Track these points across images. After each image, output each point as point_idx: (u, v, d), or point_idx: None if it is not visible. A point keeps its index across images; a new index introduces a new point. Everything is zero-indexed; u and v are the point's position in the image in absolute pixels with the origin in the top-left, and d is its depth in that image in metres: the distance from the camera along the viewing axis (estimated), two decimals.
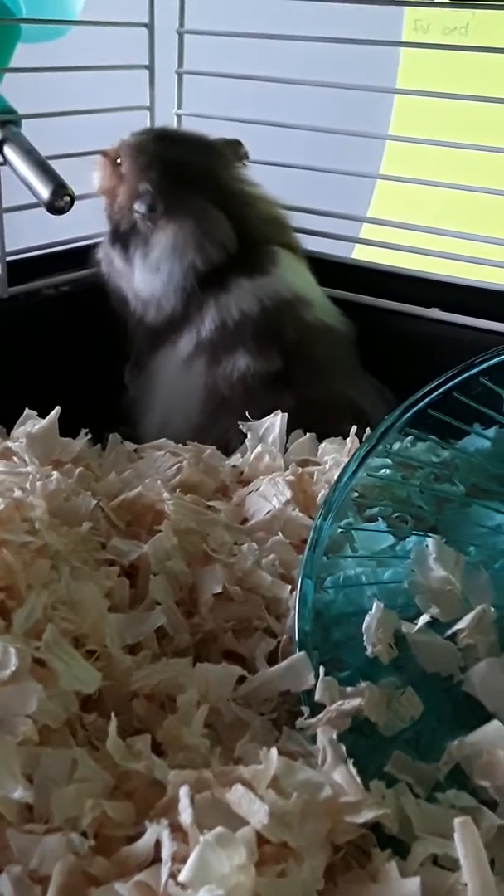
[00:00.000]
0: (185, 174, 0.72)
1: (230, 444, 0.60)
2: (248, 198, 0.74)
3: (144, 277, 0.73)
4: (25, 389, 0.58)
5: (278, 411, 0.59)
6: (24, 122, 0.74)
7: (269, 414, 0.60)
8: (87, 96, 0.79)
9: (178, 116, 0.87)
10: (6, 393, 0.58)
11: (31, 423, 0.55)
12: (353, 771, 0.34)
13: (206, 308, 0.71)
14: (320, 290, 0.75)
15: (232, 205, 0.72)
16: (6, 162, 0.72)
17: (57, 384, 0.60)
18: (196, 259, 0.70)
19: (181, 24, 0.85)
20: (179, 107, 0.87)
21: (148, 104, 0.84)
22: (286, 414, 0.59)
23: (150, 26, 0.82)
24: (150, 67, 0.83)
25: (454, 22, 1.17)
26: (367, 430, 0.57)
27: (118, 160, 0.75)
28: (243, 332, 0.69)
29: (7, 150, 0.71)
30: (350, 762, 0.34)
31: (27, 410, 0.57)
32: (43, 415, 0.55)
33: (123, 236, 0.74)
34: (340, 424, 0.60)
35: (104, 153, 0.76)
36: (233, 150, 0.77)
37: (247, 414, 0.60)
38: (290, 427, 0.60)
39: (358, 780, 0.34)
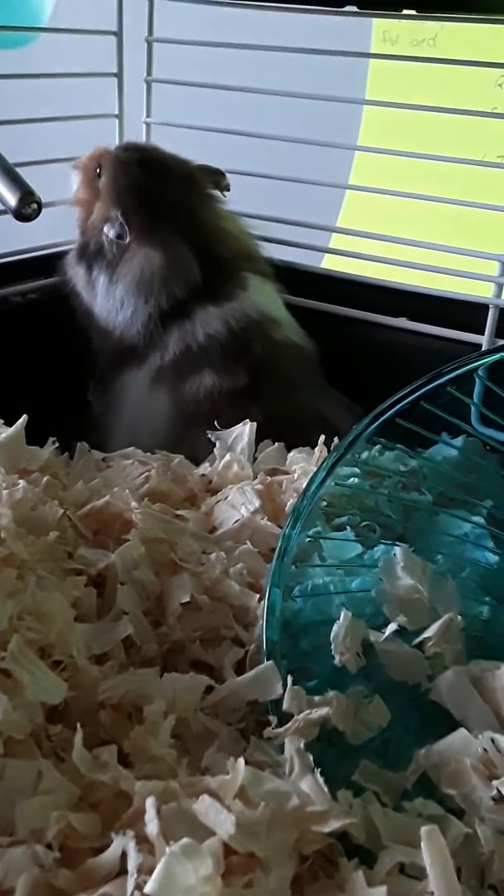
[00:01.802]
0: (160, 206, 0.72)
1: (199, 458, 0.60)
2: (220, 234, 0.74)
3: (106, 306, 0.73)
4: None
5: (247, 420, 0.59)
6: None
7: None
8: (55, 104, 0.78)
9: (147, 125, 0.87)
10: None
11: None
12: (321, 780, 0.34)
13: (169, 336, 0.71)
14: (288, 313, 0.75)
15: (203, 241, 0.73)
16: None
17: (24, 392, 0.60)
18: (160, 298, 0.71)
19: (150, 32, 0.85)
20: (148, 115, 0.87)
21: (117, 112, 0.84)
22: (255, 423, 0.59)
23: (118, 34, 0.82)
24: (119, 75, 0.83)
25: (423, 34, 1.18)
26: (336, 440, 0.58)
27: (98, 171, 0.74)
28: (209, 353, 0.69)
29: None
30: (317, 771, 0.34)
31: None
32: (10, 423, 0.55)
33: (90, 256, 0.74)
34: (309, 437, 0.61)
35: (86, 161, 0.76)
36: (214, 180, 0.77)
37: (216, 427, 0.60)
38: (259, 440, 0.60)
39: (325, 789, 0.34)
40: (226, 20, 0.88)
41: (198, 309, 0.71)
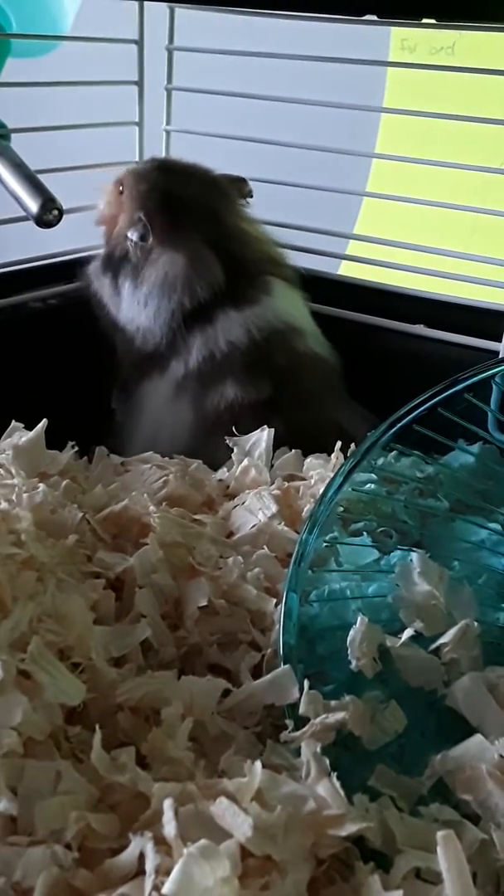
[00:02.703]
0: (182, 208, 0.73)
1: (217, 467, 0.60)
2: (244, 236, 0.74)
3: (131, 309, 0.73)
4: (12, 402, 0.58)
5: (264, 426, 0.59)
6: (13, 136, 0.74)
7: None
8: (76, 111, 0.79)
9: (167, 132, 0.87)
10: None
11: (18, 436, 0.55)
12: (337, 784, 0.34)
13: (192, 341, 0.71)
14: (313, 322, 0.75)
15: (226, 242, 0.72)
16: None
17: (44, 397, 0.61)
18: (183, 298, 0.71)
19: (171, 41, 0.85)
20: (168, 123, 0.87)
21: (137, 120, 0.85)
22: (272, 429, 0.59)
23: (139, 43, 0.83)
24: (140, 83, 0.84)
25: (441, 42, 1.18)
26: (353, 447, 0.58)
27: (121, 188, 0.75)
28: (231, 362, 0.69)
29: None
30: (334, 776, 0.34)
31: (14, 423, 0.57)
32: (30, 427, 0.55)
33: (115, 264, 0.75)
34: (327, 448, 0.61)
35: (110, 184, 0.77)
36: (237, 187, 0.77)
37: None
38: (276, 451, 0.60)
39: (341, 793, 0.34)
40: (245, 29, 0.88)
41: (220, 313, 0.70)
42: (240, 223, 0.75)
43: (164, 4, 0.83)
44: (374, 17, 0.67)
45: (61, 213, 0.72)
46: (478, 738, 0.38)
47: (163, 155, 0.87)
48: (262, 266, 0.74)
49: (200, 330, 0.71)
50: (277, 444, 0.60)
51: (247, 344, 0.69)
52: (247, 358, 0.69)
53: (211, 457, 0.62)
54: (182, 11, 0.84)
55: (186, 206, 0.73)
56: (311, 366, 0.72)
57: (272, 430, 0.59)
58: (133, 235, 0.72)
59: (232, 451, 0.59)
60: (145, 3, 0.81)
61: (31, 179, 0.71)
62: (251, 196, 0.78)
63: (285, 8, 0.64)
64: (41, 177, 0.72)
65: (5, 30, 0.76)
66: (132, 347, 0.74)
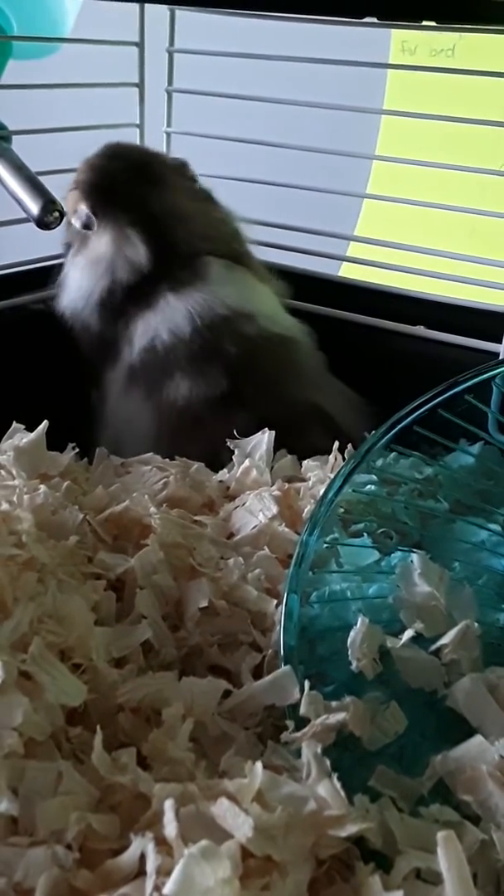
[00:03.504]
0: (115, 193, 0.72)
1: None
2: (177, 218, 0.72)
3: (67, 294, 0.73)
4: (13, 403, 0.58)
5: (265, 430, 0.59)
6: (14, 137, 0.75)
7: (222, 438, 0.59)
8: (77, 113, 0.79)
9: (168, 134, 0.87)
10: None
11: (19, 437, 0.55)
12: (338, 785, 0.34)
13: (133, 328, 0.69)
14: (269, 299, 0.73)
15: (157, 225, 0.71)
16: None
17: (45, 398, 0.61)
18: (106, 279, 0.70)
19: (171, 43, 0.85)
20: (169, 125, 0.87)
21: (138, 122, 0.85)
22: (272, 432, 0.59)
23: (140, 45, 0.83)
24: (140, 85, 0.84)
25: (441, 44, 1.19)
26: (339, 438, 0.58)
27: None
28: (176, 354, 0.67)
29: None
30: (334, 776, 0.34)
31: (15, 424, 0.57)
32: (31, 428, 0.55)
33: (65, 253, 0.75)
34: (308, 434, 0.60)
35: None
36: (179, 170, 0.76)
37: (201, 440, 0.60)
38: None
39: (342, 794, 0.34)
40: (246, 31, 0.88)
41: (160, 299, 0.69)
42: (177, 204, 0.73)
43: (165, 7, 0.83)
44: (375, 20, 0.67)
45: (62, 214, 0.72)
46: (478, 738, 0.38)
47: None
48: (198, 245, 0.71)
49: (142, 317, 0.69)
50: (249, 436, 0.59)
51: (189, 333, 0.67)
52: (193, 348, 0.66)
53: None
54: (182, 14, 0.84)
55: (119, 191, 0.72)
56: (269, 350, 0.68)
57: (272, 433, 0.59)
58: (76, 223, 0.72)
59: (205, 453, 0.59)
60: (146, 5, 0.81)
61: (32, 181, 0.71)
62: (195, 180, 0.77)
63: (286, 10, 0.64)
64: (42, 178, 0.73)
65: (6, 32, 0.76)
66: (84, 337, 0.73)
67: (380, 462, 0.52)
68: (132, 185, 0.72)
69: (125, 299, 0.70)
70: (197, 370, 0.66)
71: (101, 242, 0.71)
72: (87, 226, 0.72)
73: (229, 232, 0.75)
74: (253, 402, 0.64)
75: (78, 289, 0.72)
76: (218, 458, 0.60)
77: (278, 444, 0.60)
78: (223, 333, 0.67)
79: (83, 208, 0.72)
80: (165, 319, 0.68)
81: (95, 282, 0.71)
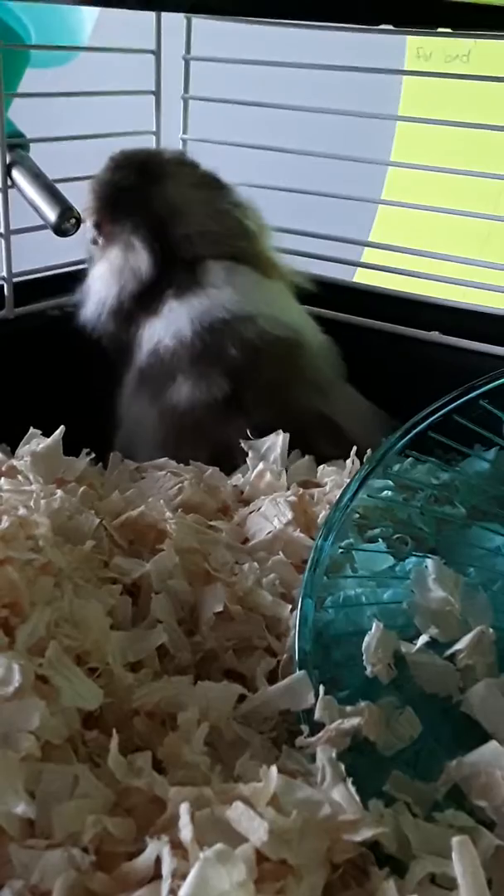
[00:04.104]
0: (119, 201, 0.72)
1: None
2: (177, 215, 0.72)
3: (87, 303, 0.74)
4: (30, 408, 0.58)
5: (279, 431, 0.60)
6: (32, 145, 0.75)
7: (224, 443, 0.60)
8: (94, 120, 0.80)
9: (184, 141, 0.88)
10: (11, 412, 0.59)
11: (36, 442, 0.55)
12: (352, 790, 0.34)
13: (141, 333, 0.70)
14: (275, 298, 0.72)
15: (158, 225, 0.71)
16: (14, 185, 0.73)
17: (61, 403, 0.61)
18: (114, 288, 0.71)
19: (188, 50, 0.86)
20: (185, 132, 0.88)
21: (154, 129, 0.85)
22: (286, 435, 0.59)
23: (156, 53, 0.84)
24: (157, 93, 0.84)
25: (456, 50, 1.19)
26: (345, 447, 0.58)
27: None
28: (179, 356, 0.67)
29: (15, 173, 0.72)
30: (349, 781, 0.35)
31: (32, 429, 0.57)
32: (47, 434, 0.56)
33: (89, 264, 0.76)
34: (312, 442, 0.60)
35: None
36: (178, 161, 0.76)
37: (203, 444, 0.60)
38: None
39: (357, 798, 0.34)
40: (261, 38, 0.89)
41: (163, 306, 0.69)
42: (176, 203, 0.72)
43: (181, 15, 0.84)
44: (390, 27, 0.68)
45: (79, 221, 0.72)
46: (493, 744, 0.38)
47: None
48: (198, 247, 0.71)
49: (149, 323, 0.70)
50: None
51: (190, 337, 0.66)
52: (192, 352, 0.66)
53: (183, 462, 0.60)
54: (198, 21, 0.85)
55: (123, 198, 0.72)
56: (271, 353, 0.67)
57: (286, 435, 0.59)
58: (89, 238, 0.74)
59: (210, 458, 0.59)
60: (162, 13, 0.82)
61: (49, 189, 0.72)
62: (196, 167, 0.76)
63: (301, 18, 0.65)
64: (59, 186, 0.73)
65: (24, 41, 0.77)
66: (104, 342, 0.73)
67: (396, 467, 0.52)
68: (133, 189, 0.72)
69: (133, 306, 0.71)
70: (198, 374, 0.66)
71: (112, 253, 0.72)
72: (94, 241, 0.73)
73: (232, 226, 0.74)
74: (254, 407, 0.64)
75: (95, 298, 0.73)
76: (220, 463, 0.60)
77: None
78: (224, 337, 0.66)
79: (89, 225, 0.73)
80: (169, 324, 0.68)
81: (107, 291, 0.72)
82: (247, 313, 0.68)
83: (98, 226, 0.73)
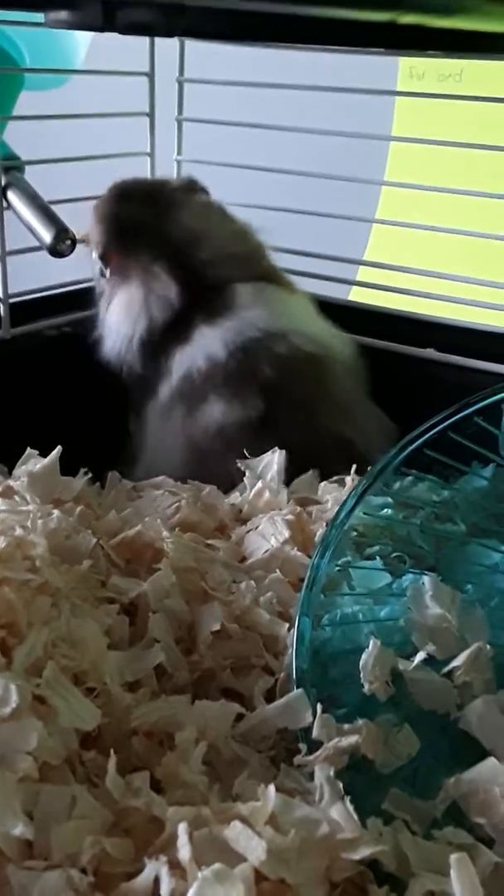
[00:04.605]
0: (131, 232, 0.73)
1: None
2: (197, 241, 0.73)
3: (107, 339, 0.74)
4: (27, 429, 0.59)
5: (275, 448, 0.60)
6: (27, 167, 0.76)
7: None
8: (89, 142, 0.80)
9: (178, 162, 0.89)
10: (8, 432, 0.59)
11: (33, 463, 0.55)
12: (351, 808, 0.34)
13: (172, 360, 0.70)
14: (301, 312, 0.73)
15: (179, 254, 0.72)
16: (10, 207, 0.73)
17: (58, 423, 0.61)
18: (142, 322, 0.71)
19: (181, 73, 0.87)
20: (179, 153, 0.89)
21: (148, 150, 0.86)
22: (284, 451, 0.59)
23: (150, 75, 0.84)
24: (151, 115, 0.85)
25: (449, 69, 1.20)
26: (363, 467, 0.58)
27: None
28: (213, 377, 0.67)
29: (11, 195, 0.73)
30: (347, 799, 0.35)
31: (29, 450, 0.57)
32: (44, 454, 0.56)
33: (98, 297, 0.77)
34: (332, 465, 0.60)
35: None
36: (187, 188, 0.77)
37: (233, 464, 0.60)
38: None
39: (355, 817, 0.34)
40: (255, 59, 0.90)
41: (195, 332, 0.69)
42: (192, 229, 0.73)
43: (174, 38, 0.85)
44: (382, 49, 0.68)
45: (74, 242, 0.73)
46: (491, 761, 0.37)
47: None
48: (223, 272, 0.72)
49: (180, 350, 0.70)
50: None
51: (224, 358, 0.67)
52: (226, 372, 0.67)
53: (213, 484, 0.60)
54: (192, 43, 0.85)
55: (134, 230, 0.73)
56: (300, 369, 0.67)
57: (283, 451, 0.59)
58: (96, 271, 0.74)
59: (243, 475, 0.60)
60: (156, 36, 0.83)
61: (44, 210, 0.72)
62: (206, 194, 0.78)
63: (294, 41, 0.65)
64: (55, 207, 0.74)
65: (19, 64, 0.78)
66: (127, 374, 0.74)
67: (397, 485, 0.52)
68: (145, 221, 0.73)
69: (163, 337, 0.71)
70: (230, 392, 0.66)
71: (132, 285, 0.72)
72: (102, 273, 0.73)
73: (251, 247, 0.75)
74: (285, 427, 0.64)
75: (118, 334, 0.73)
76: None
77: (303, 470, 0.60)
78: (257, 355, 0.67)
79: (95, 257, 0.74)
80: (201, 349, 0.68)
81: (133, 325, 0.72)
82: (278, 330, 0.68)
83: (104, 258, 0.73)
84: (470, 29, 0.39)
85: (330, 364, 0.70)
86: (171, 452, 0.69)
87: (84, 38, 0.81)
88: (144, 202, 0.74)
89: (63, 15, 0.46)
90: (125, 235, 0.73)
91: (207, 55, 0.86)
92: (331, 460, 0.61)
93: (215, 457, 0.64)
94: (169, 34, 0.51)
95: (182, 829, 0.32)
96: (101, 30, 0.43)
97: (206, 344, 0.68)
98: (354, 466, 0.58)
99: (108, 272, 0.73)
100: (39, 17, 0.60)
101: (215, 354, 0.67)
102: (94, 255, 0.74)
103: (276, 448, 0.59)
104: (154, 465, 0.67)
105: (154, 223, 0.73)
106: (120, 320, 0.73)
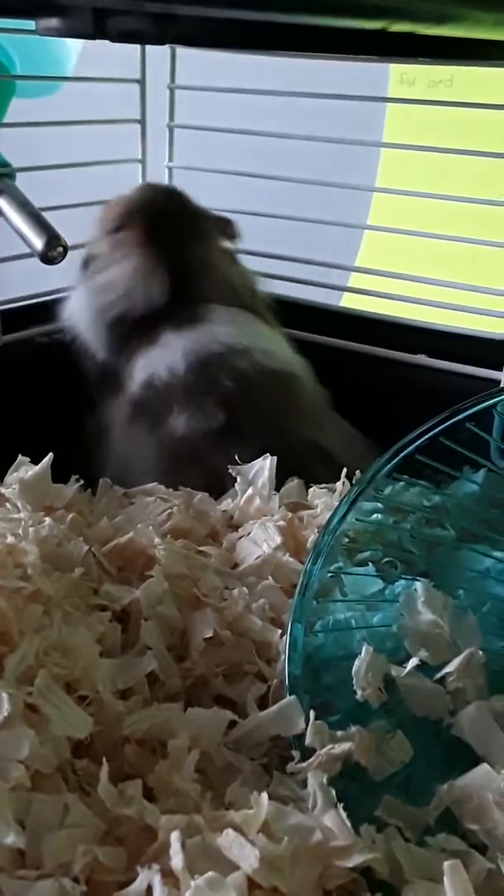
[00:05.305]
0: (154, 223, 0.73)
1: None
2: (204, 268, 0.74)
3: (79, 309, 0.74)
4: (19, 436, 0.58)
5: (267, 455, 0.60)
6: (18, 174, 0.76)
7: (221, 471, 0.60)
8: (80, 149, 0.80)
9: (169, 169, 0.89)
10: None
11: (24, 470, 0.55)
12: (344, 815, 0.34)
13: (136, 361, 0.70)
14: (271, 337, 0.74)
15: (183, 269, 0.72)
16: (1, 214, 0.73)
17: (49, 430, 0.61)
18: (121, 304, 0.71)
19: (172, 80, 0.87)
20: (170, 159, 0.89)
21: (140, 157, 0.86)
22: (274, 458, 0.59)
23: (141, 82, 0.84)
24: (142, 121, 0.85)
25: (439, 75, 1.20)
26: (343, 473, 0.58)
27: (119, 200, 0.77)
28: (173, 389, 0.67)
29: (2, 202, 0.73)
30: (340, 806, 0.35)
31: (20, 457, 0.57)
32: (36, 461, 0.56)
33: (83, 265, 0.76)
34: (307, 470, 0.60)
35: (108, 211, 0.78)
36: (222, 226, 0.78)
37: (201, 472, 0.60)
38: None
39: (348, 824, 0.34)
40: (245, 65, 0.90)
41: (161, 336, 0.70)
42: (206, 257, 0.75)
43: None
44: (372, 56, 0.68)
45: (66, 250, 0.72)
46: (484, 767, 0.38)
47: None
48: (210, 294, 0.73)
49: (144, 351, 0.70)
50: None
51: (184, 370, 0.67)
52: (187, 385, 0.67)
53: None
54: (183, 50, 0.86)
55: (158, 223, 0.74)
56: (265, 384, 0.68)
57: (274, 458, 0.59)
58: (105, 228, 0.74)
59: (206, 484, 0.60)
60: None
61: (35, 217, 0.72)
62: (237, 237, 0.79)
63: (285, 49, 0.66)
64: (46, 214, 0.74)
65: (10, 71, 0.78)
66: (88, 360, 0.74)
67: (387, 491, 0.52)
68: (175, 230, 0.74)
69: (131, 329, 0.71)
70: (192, 404, 0.66)
71: (128, 263, 0.72)
72: (106, 233, 0.74)
73: (247, 286, 0.77)
74: (251, 435, 0.64)
75: (89, 310, 0.73)
76: (219, 490, 0.60)
77: (280, 478, 0.60)
78: (218, 368, 0.67)
79: (115, 222, 0.74)
80: (164, 356, 0.69)
81: (113, 300, 0.72)
82: (242, 346, 0.69)
83: (118, 229, 0.73)
84: (461, 36, 0.40)
85: (295, 380, 0.71)
86: (140, 458, 0.69)
87: (75, 45, 0.81)
88: (180, 210, 0.76)
89: (54, 22, 0.46)
90: (149, 221, 0.73)
91: (198, 61, 0.86)
92: (305, 466, 0.61)
93: (181, 466, 0.65)
94: (160, 42, 0.51)
95: (175, 837, 0.32)
96: (92, 37, 0.43)
97: (170, 351, 0.69)
98: (345, 470, 0.58)
99: (115, 236, 0.73)
100: (30, 24, 0.60)
101: (176, 365, 0.68)
102: (107, 214, 0.74)
103: (244, 457, 0.60)
104: (126, 468, 0.67)
105: (179, 239, 0.74)
106: (96, 294, 0.73)
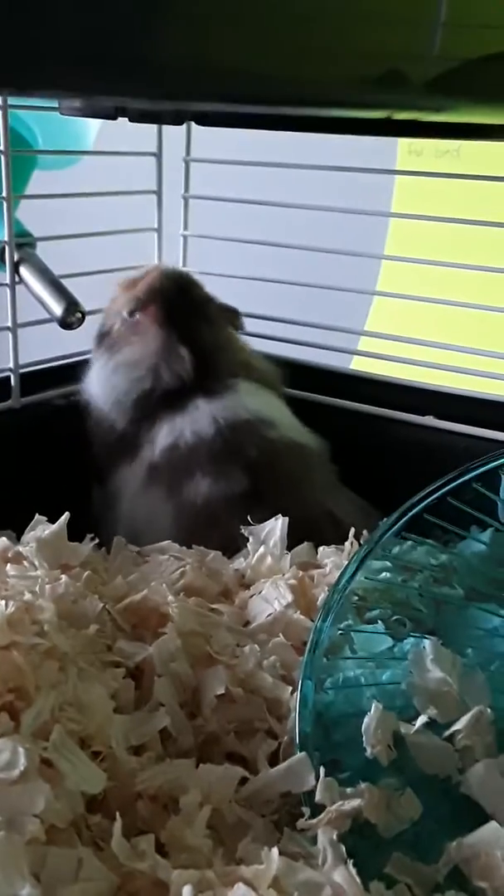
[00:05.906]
0: (175, 309, 0.75)
1: None
2: (222, 346, 0.77)
3: (100, 385, 0.75)
4: (36, 495, 0.60)
5: (279, 515, 0.61)
6: (39, 243, 0.78)
7: (238, 532, 0.61)
8: (98, 218, 0.83)
9: (184, 237, 0.91)
10: (17, 499, 0.60)
11: (41, 529, 0.56)
12: (354, 871, 0.35)
13: (159, 428, 0.72)
14: (289, 414, 0.76)
15: (203, 346, 0.74)
16: (22, 281, 0.76)
17: (66, 490, 0.62)
18: (147, 379, 0.73)
19: (188, 152, 0.90)
20: (185, 228, 0.91)
21: (156, 226, 0.89)
22: (286, 518, 0.60)
23: (158, 155, 0.88)
24: (158, 193, 0.88)
25: (447, 145, 1.24)
26: (351, 533, 0.60)
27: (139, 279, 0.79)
28: (198, 454, 0.69)
29: (23, 270, 0.75)
30: (350, 863, 0.35)
31: (37, 516, 0.58)
32: (52, 520, 0.57)
33: (99, 339, 0.78)
34: (319, 535, 0.62)
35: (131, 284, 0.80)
36: (229, 316, 0.80)
37: (220, 536, 0.61)
38: None
39: (358, 880, 0.34)
40: (259, 138, 0.93)
41: (189, 404, 0.71)
42: (221, 338, 0.77)
43: None
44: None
45: (84, 315, 0.75)
46: (493, 825, 0.38)
47: (180, 258, 0.91)
48: (232, 370, 0.75)
49: (169, 419, 0.71)
50: None
51: (212, 435, 0.69)
52: (213, 449, 0.69)
53: None
54: (198, 126, 0.89)
55: (180, 310, 0.75)
56: (288, 454, 0.71)
57: (286, 518, 0.60)
58: (124, 311, 0.75)
59: (223, 546, 0.60)
60: None
61: (55, 284, 0.75)
62: (242, 329, 0.81)
63: (296, 130, 0.68)
64: (65, 281, 0.76)
65: (32, 146, 0.81)
66: (103, 429, 0.75)
67: (396, 550, 0.53)
68: (190, 313, 0.76)
69: (157, 403, 0.73)
70: (217, 469, 0.68)
71: (149, 343, 0.74)
72: (131, 312, 0.75)
73: (259, 367, 0.79)
74: (271, 500, 0.65)
75: (112, 386, 0.74)
76: (233, 550, 0.62)
77: (294, 542, 0.61)
78: (245, 435, 0.69)
79: (136, 300, 0.75)
80: (192, 422, 0.70)
81: (133, 382, 0.73)
82: (268, 418, 0.72)
83: (141, 304, 0.75)
84: (462, 122, 0.42)
85: (310, 452, 0.73)
86: (154, 518, 0.70)
87: (94, 120, 0.84)
88: (194, 303, 0.77)
89: (77, 103, 0.49)
90: (165, 303, 0.75)
91: (213, 135, 0.89)
92: (319, 530, 0.63)
93: (200, 529, 0.66)
94: (178, 122, 0.54)
95: (186, 892, 0.33)
96: (113, 118, 0.45)
97: (197, 418, 0.70)
98: (353, 530, 0.59)
99: (136, 316, 0.75)
100: (53, 102, 0.63)
101: (203, 430, 0.70)
102: (127, 295, 0.76)
103: (263, 520, 0.61)
104: (135, 532, 0.67)
105: (194, 322, 0.76)
106: (124, 367, 0.74)
